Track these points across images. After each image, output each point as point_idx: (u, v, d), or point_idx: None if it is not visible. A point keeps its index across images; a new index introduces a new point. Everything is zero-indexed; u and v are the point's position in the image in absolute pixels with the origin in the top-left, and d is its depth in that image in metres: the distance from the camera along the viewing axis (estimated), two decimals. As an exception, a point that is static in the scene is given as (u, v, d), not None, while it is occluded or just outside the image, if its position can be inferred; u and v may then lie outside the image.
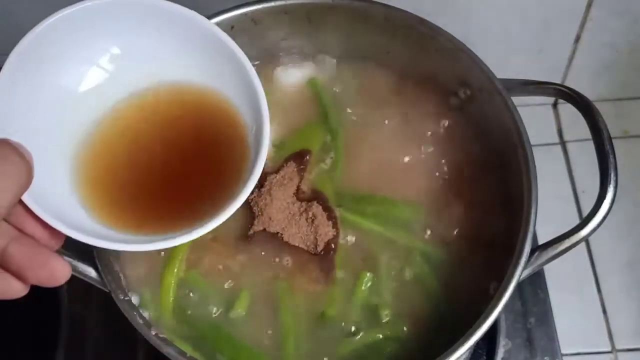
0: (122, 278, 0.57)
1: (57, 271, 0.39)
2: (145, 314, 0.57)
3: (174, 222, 0.40)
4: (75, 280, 0.57)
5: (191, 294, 0.59)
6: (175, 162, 0.41)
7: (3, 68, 0.43)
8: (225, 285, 0.60)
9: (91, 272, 0.55)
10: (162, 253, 0.60)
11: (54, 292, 0.72)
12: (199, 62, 0.49)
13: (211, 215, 0.40)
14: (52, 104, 0.47)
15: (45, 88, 0.46)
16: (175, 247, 0.60)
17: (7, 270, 0.39)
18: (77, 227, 0.41)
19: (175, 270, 0.59)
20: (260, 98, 0.46)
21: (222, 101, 0.43)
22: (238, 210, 0.51)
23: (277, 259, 0.60)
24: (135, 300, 0.57)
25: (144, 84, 0.49)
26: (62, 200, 0.43)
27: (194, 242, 0.57)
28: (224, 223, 0.45)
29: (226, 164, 0.40)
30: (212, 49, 0.49)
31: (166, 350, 0.52)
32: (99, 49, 0.49)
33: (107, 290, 0.55)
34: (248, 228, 0.60)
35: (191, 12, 0.49)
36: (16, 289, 0.39)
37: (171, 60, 0.49)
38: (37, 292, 0.73)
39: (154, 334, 0.53)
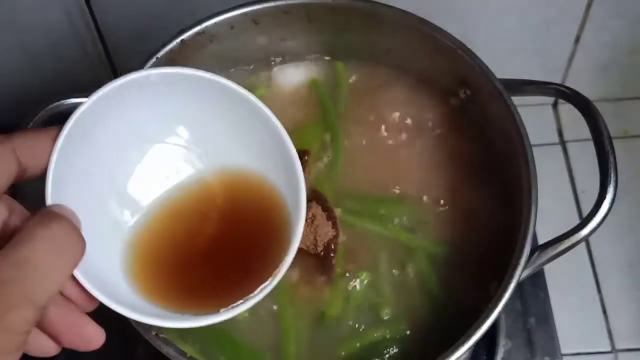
0: (122, 278, 0.57)
1: (93, 338, 0.39)
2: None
3: (218, 300, 0.42)
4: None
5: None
6: (218, 244, 0.43)
7: (61, 134, 0.41)
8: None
9: (91, 272, 0.55)
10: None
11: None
12: (249, 144, 0.48)
13: (246, 294, 0.42)
14: (106, 179, 0.46)
15: (101, 161, 0.45)
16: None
17: (44, 331, 0.38)
18: (121, 302, 0.42)
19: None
20: (300, 185, 0.46)
21: (264, 183, 0.45)
22: None
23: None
24: (135, 300, 0.57)
25: (200, 166, 0.49)
26: (107, 273, 0.43)
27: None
28: None
29: (265, 244, 0.42)
30: (264, 131, 0.48)
31: (166, 350, 0.52)
32: (162, 126, 0.48)
33: (107, 290, 0.54)
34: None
35: (250, 95, 0.47)
36: (49, 349, 0.39)
37: (227, 143, 0.48)
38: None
39: (154, 334, 0.53)
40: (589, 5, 0.81)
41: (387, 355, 0.57)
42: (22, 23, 0.80)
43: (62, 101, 0.60)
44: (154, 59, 0.60)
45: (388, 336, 0.58)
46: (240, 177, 0.46)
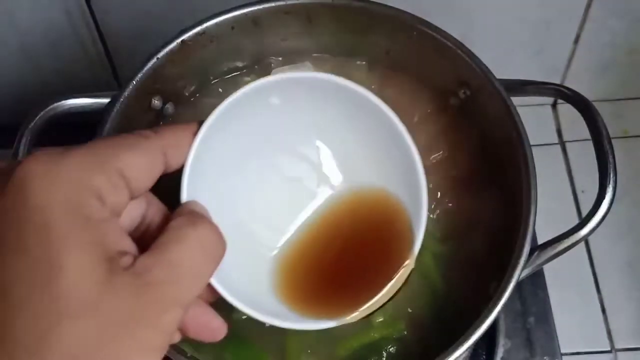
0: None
1: (218, 330, 0.39)
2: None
3: (350, 306, 0.43)
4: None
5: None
6: (347, 255, 0.45)
7: (200, 130, 0.40)
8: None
9: (91, 271, 0.55)
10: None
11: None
12: (377, 156, 0.47)
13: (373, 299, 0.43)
14: (238, 184, 0.45)
15: (233, 164, 0.45)
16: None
17: None
18: (248, 303, 0.42)
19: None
20: (422, 196, 0.46)
21: (388, 197, 0.46)
22: None
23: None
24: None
25: (335, 183, 0.48)
26: (234, 273, 0.42)
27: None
28: None
29: (388, 254, 0.44)
30: (394, 146, 0.47)
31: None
32: (300, 137, 0.47)
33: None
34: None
35: (385, 107, 0.46)
36: (174, 339, 0.39)
37: (359, 157, 0.47)
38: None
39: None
40: (588, 5, 0.81)
41: (386, 355, 0.57)
42: (22, 23, 0.80)
43: (62, 101, 0.60)
44: (154, 59, 0.60)
45: (387, 336, 0.58)
46: (367, 193, 0.46)
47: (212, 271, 0.36)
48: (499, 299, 0.52)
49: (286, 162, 0.47)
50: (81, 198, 0.32)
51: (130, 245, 0.34)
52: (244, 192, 0.45)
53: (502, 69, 0.62)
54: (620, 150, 0.59)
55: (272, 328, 0.57)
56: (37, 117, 0.59)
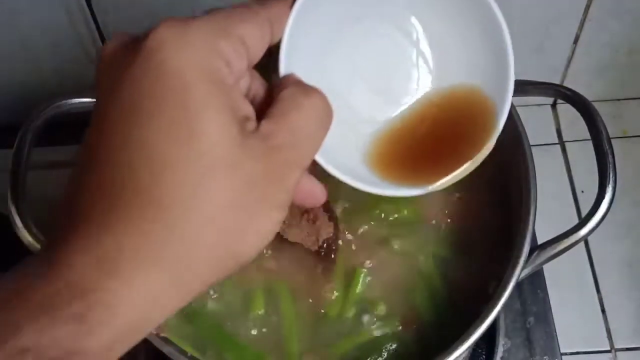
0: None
1: (320, 195, 0.41)
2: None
3: (433, 178, 0.46)
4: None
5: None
6: (435, 136, 0.47)
7: (296, 3, 0.40)
8: (228, 286, 0.60)
9: (92, 271, 0.55)
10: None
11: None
12: (473, 52, 0.46)
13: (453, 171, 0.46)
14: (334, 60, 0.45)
15: (330, 38, 0.45)
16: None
17: None
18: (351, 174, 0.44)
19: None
20: (510, 84, 0.45)
21: (478, 92, 0.47)
22: None
23: (278, 260, 0.60)
24: (135, 299, 0.57)
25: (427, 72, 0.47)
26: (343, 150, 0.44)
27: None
28: None
29: (472, 135, 0.46)
30: (488, 37, 0.46)
31: (166, 349, 0.52)
32: (397, 12, 0.46)
33: (108, 290, 0.55)
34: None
35: None
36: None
37: (454, 47, 0.47)
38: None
39: (154, 333, 0.53)
40: (588, 6, 0.81)
41: (386, 355, 0.57)
42: (22, 23, 0.80)
43: (62, 101, 0.60)
44: (154, 59, 0.60)
45: (387, 335, 0.58)
46: (457, 88, 0.47)
47: (324, 137, 0.38)
48: (499, 298, 0.52)
49: (384, 36, 0.47)
50: (213, 62, 0.34)
51: (251, 111, 0.36)
52: (340, 65, 0.46)
53: (502, 69, 0.62)
54: (619, 150, 0.59)
55: (272, 330, 0.58)
56: (38, 117, 0.59)
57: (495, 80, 0.46)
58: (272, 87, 0.39)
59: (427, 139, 0.47)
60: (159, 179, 0.32)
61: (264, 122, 0.35)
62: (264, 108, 0.36)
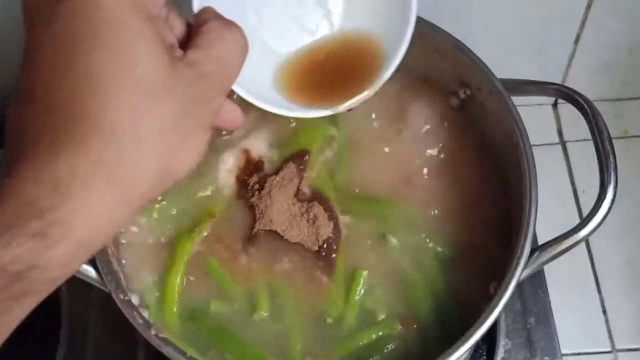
0: (122, 278, 0.57)
1: (237, 117, 0.45)
2: (146, 314, 0.57)
3: (337, 99, 0.52)
4: (76, 280, 0.57)
5: (196, 294, 0.59)
6: (336, 69, 0.53)
7: None
8: (229, 286, 0.60)
9: (91, 272, 0.55)
10: (158, 251, 0.61)
11: (54, 292, 0.72)
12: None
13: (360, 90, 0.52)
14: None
15: None
16: (180, 249, 0.60)
17: None
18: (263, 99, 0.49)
19: (181, 272, 0.59)
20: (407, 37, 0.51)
21: (374, 40, 0.53)
22: (240, 212, 0.61)
23: (279, 260, 0.60)
24: (135, 300, 0.57)
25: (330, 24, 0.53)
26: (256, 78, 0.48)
27: (197, 244, 0.58)
28: (227, 223, 0.61)
29: (367, 71, 0.52)
30: None
31: (166, 350, 0.52)
32: None
33: (107, 290, 0.55)
34: (250, 230, 0.60)
35: None
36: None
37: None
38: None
39: (153, 334, 0.53)
40: (589, 6, 0.81)
41: (387, 355, 0.57)
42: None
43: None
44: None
45: (388, 336, 0.58)
46: (358, 34, 0.53)
47: (242, 66, 0.41)
48: (500, 299, 0.52)
49: None
50: None
51: (175, 41, 0.40)
52: (251, 5, 0.51)
53: (503, 69, 0.62)
54: (620, 150, 0.59)
55: (274, 331, 0.58)
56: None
57: (394, 33, 0.51)
58: (194, 19, 0.42)
59: (331, 69, 0.52)
60: (104, 104, 0.35)
61: (191, 52, 0.39)
62: (184, 39, 0.41)
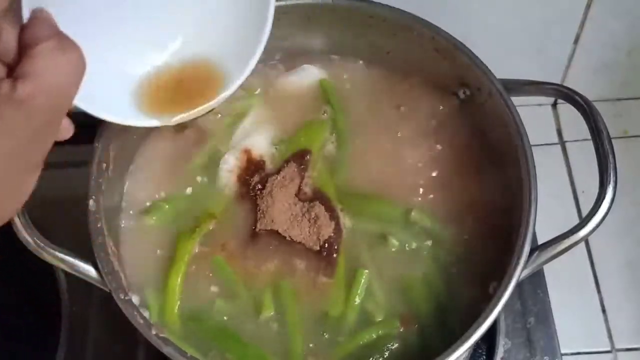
0: (122, 278, 0.57)
1: (69, 128, 0.42)
2: (146, 314, 0.57)
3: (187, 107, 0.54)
4: (76, 280, 0.57)
5: (196, 294, 0.59)
6: (182, 87, 0.55)
7: None
8: (229, 286, 0.60)
9: (91, 271, 0.55)
10: (158, 251, 0.61)
11: (54, 292, 0.72)
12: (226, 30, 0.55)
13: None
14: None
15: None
16: (180, 249, 0.60)
17: None
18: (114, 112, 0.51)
19: (181, 272, 0.59)
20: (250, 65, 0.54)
21: (216, 65, 0.55)
22: (241, 212, 0.61)
23: (280, 260, 0.60)
24: (135, 300, 0.57)
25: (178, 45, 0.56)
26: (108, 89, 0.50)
27: (198, 244, 0.58)
28: (228, 223, 0.61)
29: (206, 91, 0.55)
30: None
31: (166, 350, 0.52)
32: None
33: (108, 290, 0.55)
34: (252, 230, 0.60)
35: None
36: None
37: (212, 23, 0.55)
38: (38, 292, 0.73)
39: (154, 333, 0.53)
40: (588, 6, 0.81)
41: (387, 355, 0.57)
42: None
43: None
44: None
45: (388, 335, 0.58)
46: (203, 57, 0.56)
47: (78, 89, 0.38)
48: (499, 299, 0.52)
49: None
50: None
51: (4, 71, 0.36)
52: (98, 11, 0.50)
53: (503, 69, 0.62)
54: (620, 150, 0.59)
55: (275, 331, 0.58)
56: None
57: (237, 62, 0.54)
58: (24, 33, 0.38)
59: (176, 86, 0.54)
60: None
61: (20, 85, 0.35)
62: (15, 59, 0.37)
